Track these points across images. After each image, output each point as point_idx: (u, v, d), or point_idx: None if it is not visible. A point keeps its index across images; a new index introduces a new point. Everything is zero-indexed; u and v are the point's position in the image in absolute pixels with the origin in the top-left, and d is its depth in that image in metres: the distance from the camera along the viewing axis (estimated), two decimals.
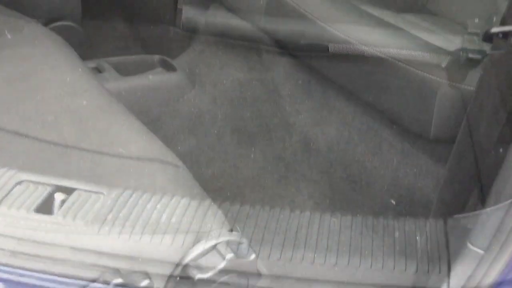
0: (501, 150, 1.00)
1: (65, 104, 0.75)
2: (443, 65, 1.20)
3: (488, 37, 0.88)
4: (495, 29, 0.86)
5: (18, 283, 0.60)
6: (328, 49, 1.37)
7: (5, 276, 0.59)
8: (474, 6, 1.66)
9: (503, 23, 0.86)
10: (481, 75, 0.92)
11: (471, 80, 1.03)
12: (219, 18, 1.72)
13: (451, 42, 1.40)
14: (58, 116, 0.71)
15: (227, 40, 1.70)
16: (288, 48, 1.53)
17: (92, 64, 1.52)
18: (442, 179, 1.07)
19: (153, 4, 2.03)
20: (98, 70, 1.53)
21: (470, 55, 1.28)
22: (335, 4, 1.41)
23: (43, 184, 0.61)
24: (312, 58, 1.45)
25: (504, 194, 0.95)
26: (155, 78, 1.57)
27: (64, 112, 0.73)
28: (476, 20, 1.62)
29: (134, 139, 0.76)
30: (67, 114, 0.73)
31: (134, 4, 2.11)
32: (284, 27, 1.50)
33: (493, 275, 0.68)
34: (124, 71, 1.56)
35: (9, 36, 0.91)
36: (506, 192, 0.93)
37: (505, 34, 0.86)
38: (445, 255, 0.75)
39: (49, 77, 0.82)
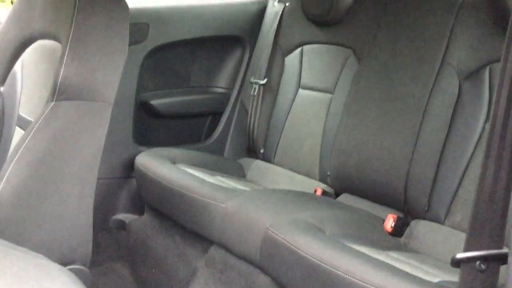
0: None
1: None
2: None
3: (455, 263, 0.96)
4: (459, 255, 0.94)
5: None
6: (320, 283, 1.45)
7: None
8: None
9: (466, 249, 0.95)
10: None
11: None
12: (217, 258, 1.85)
13: (434, 275, 1.50)
14: None
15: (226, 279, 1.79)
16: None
17: None
18: None
19: (156, 252, 2.17)
20: None
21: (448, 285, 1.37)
22: (325, 243, 1.53)
23: None
24: None
25: None
26: None
27: None
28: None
29: None
30: None
31: (136, 252, 2.26)
32: (279, 264, 1.61)
33: None
34: None
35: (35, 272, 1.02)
36: None
37: (470, 259, 0.94)
38: None
39: None
